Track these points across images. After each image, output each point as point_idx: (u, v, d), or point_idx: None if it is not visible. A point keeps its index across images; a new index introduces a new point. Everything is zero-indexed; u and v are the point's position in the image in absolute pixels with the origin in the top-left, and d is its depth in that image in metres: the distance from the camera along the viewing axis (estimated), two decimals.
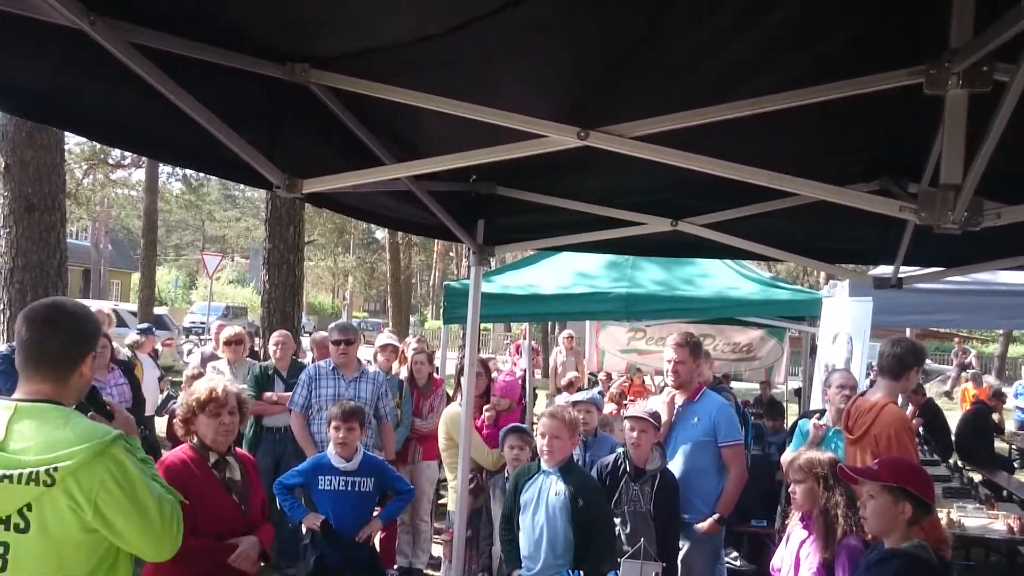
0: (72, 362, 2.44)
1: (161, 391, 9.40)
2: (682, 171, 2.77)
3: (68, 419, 2.34)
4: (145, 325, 11.51)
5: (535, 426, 6.72)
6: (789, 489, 4.00)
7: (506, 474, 4.87)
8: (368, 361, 7.13)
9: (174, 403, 6.89)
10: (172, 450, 3.95)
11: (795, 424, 6.16)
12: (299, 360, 7.64)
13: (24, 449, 2.24)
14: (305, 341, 13.03)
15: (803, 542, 3.86)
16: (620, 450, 4.77)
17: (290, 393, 6.58)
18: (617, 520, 4.60)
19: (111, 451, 2.28)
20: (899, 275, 4.69)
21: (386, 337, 8.13)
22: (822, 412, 5.67)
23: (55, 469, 2.20)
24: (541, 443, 4.28)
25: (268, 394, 6.87)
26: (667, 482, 4.74)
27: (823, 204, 3.17)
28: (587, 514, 4.12)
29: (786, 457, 5.49)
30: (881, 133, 3.23)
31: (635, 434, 4.67)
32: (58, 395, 2.40)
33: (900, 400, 5.80)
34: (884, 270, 5.82)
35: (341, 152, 3.22)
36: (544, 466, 4.31)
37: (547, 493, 4.21)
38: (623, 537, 4.54)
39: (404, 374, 7.45)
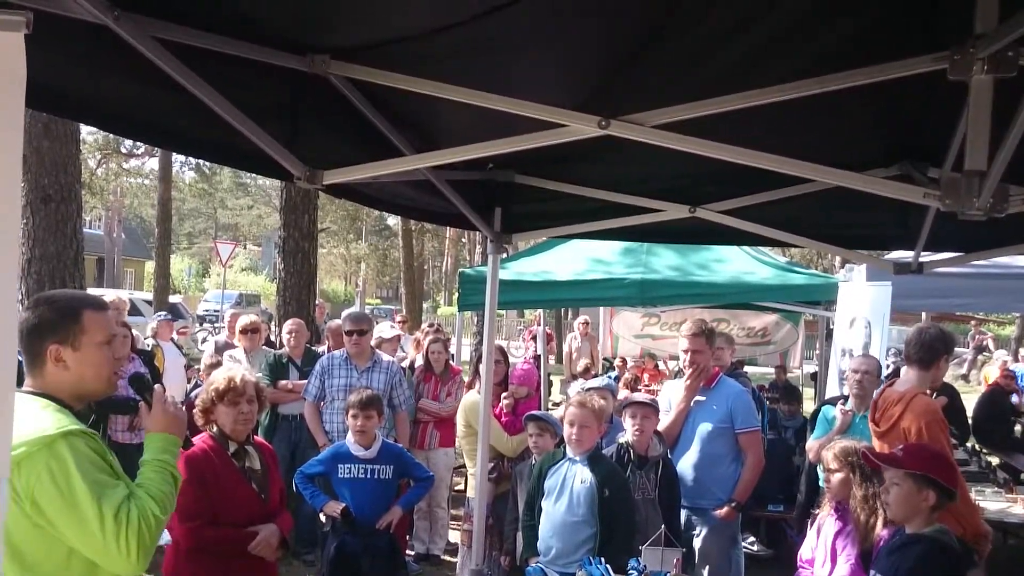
0: (31, 354, 2.39)
1: (189, 380, 9.25)
2: (700, 158, 2.76)
3: (40, 411, 2.30)
4: (162, 313, 11.54)
5: (550, 411, 6.75)
6: (824, 478, 3.96)
7: (532, 460, 4.88)
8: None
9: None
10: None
11: (817, 411, 6.11)
12: (313, 348, 7.66)
13: None
14: None
15: (838, 533, 3.82)
16: (621, 440, 4.76)
17: (304, 381, 6.62)
18: None
19: (55, 447, 2.22)
20: (919, 260, 4.66)
21: (385, 330, 8.13)
22: (845, 398, 5.62)
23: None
24: (569, 431, 4.27)
25: (283, 382, 6.89)
26: (668, 468, 4.73)
27: (840, 190, 3.16)
28: (612, 504, 4.12)
29: (811, 445, 5.46)
30: (900, 119, 3.21)
31: (638, 420, 4.65)
32: (43, 386, 2.38)
33: None
34: (900, 255, 5.78)
35: (360, 143, 3.23)
36: (570, 454, 4.31)
37: (572, 480, 4.21)
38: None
39: (419, 361, 7.47)
